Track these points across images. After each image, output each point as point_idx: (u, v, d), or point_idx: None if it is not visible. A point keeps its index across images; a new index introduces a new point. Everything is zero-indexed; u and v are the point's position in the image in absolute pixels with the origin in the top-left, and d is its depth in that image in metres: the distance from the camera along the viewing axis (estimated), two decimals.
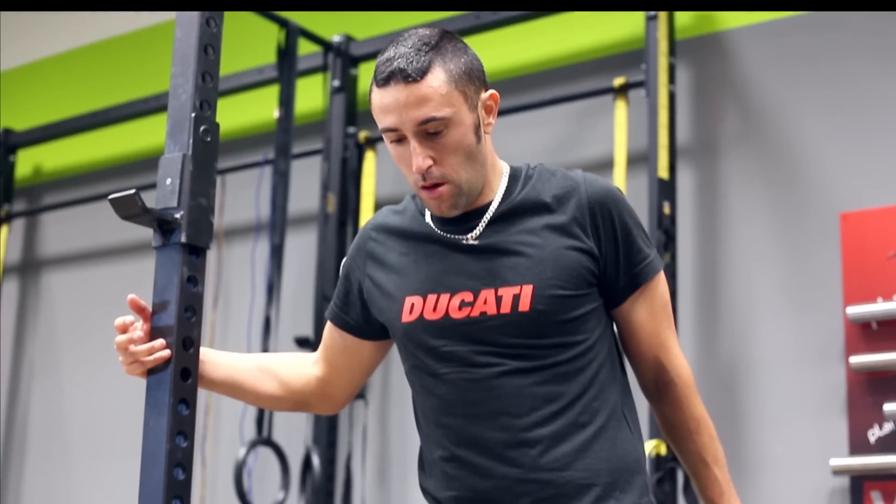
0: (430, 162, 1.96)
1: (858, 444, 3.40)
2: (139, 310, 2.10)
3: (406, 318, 2.06)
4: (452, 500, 2.04)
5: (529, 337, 2.00)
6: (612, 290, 2.07)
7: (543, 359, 2.00)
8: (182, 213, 2.08)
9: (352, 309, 2.20)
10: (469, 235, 2.05)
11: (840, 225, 3.53)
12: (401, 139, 1.98)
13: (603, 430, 2.01)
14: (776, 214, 3.69)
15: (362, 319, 2.19)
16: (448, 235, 2.06)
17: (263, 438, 4.27)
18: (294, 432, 4.39)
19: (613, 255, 2.04)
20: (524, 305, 1.99)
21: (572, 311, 2.01)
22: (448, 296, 2.03)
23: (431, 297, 2.04)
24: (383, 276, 2.12)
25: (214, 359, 2.21)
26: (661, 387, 2.13)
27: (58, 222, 5.49)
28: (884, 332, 3.41)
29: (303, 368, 2.29)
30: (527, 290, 1.99)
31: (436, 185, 1.99)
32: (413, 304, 2.06)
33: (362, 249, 2.18)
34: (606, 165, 3.83)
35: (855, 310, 3.42)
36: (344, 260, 2.24)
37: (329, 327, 2.26)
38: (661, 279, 2.11)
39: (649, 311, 2.09)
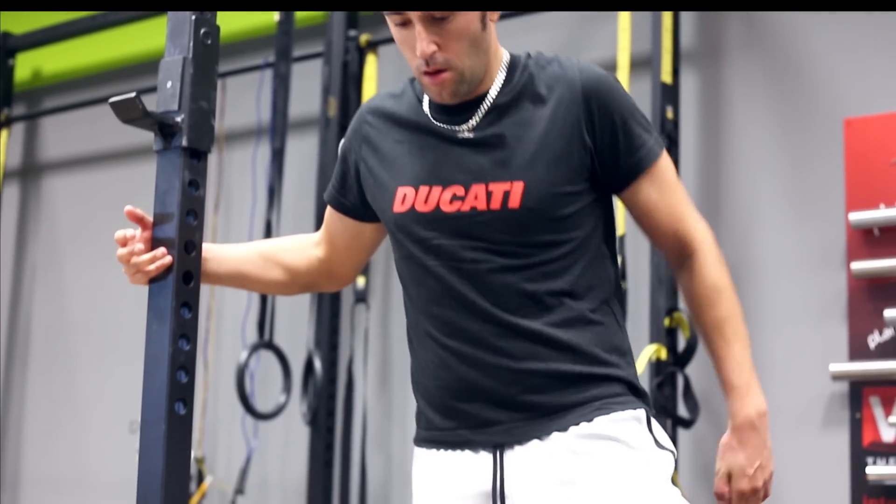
0: (434, 47, 1.94)
1: (858, 350, 3.41)
2: (137, 220, 2.10)
3: (398, 208, 2.05)
4: (443, 389, 2.07)
5: (518, 234, 1.98)
6: (614, 178, 2.04)
7: (531, 257, 1.99)
8: (183, 116, 2.06)
9: (349, 192, 2.19)
10: (464, 127, 2.02)
11: (844, 130, 3.51)
12: (406, 23, 1.95)
13: (591, 324, 2.01)
14: (780, 120, 3.67)
15: (360, 202, 2.18)
16: (444, 126, 2.04)
17: (265, 342, 4.29)
18: (296, 336, 4.41)
19: (611, 144, 2.01)
20: (514, 202, 1.97)
21: (563, 209, 1.99)
22: (440, 189, 2.01)
23: (423, 189, 2.03)
24: (376, 164, 2.11)
25: (218, 254, 2.21)
26: (684, 259, 2.12)
27: (58, 126, 5.47)
28: (885, 239, 3.41)
29: (306, 251, 2.29)
30: (517, 187, 1.97)
31: (439, 72, 1.96)
32: (405, 195, 2.04)
33: (358, 132, 2.16)
34: (609, 69, 3.79)
35: (857, 216, 3.42)
36: (341, 141, 2.22)
37: (329, 210, 2.25)
38: (664, 160, 2.08)
39: (658, 192, 2.07)
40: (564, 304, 1.99)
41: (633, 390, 2.03)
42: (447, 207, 2.01)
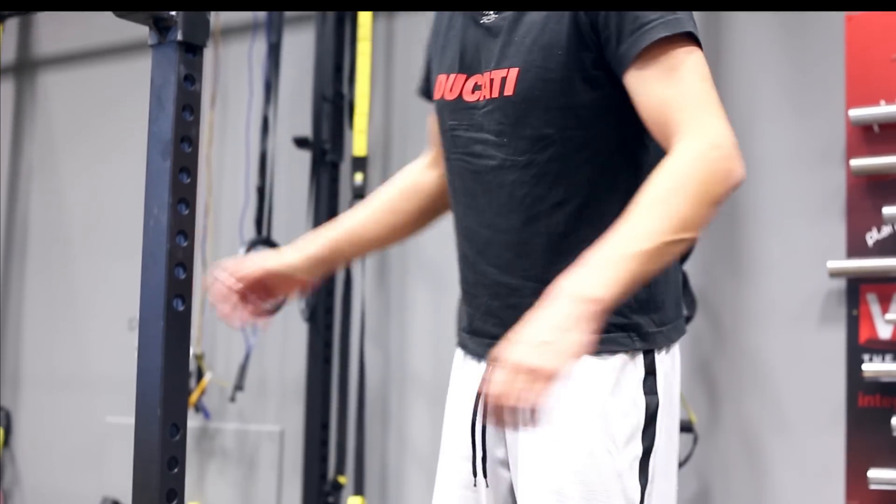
0: None
1: (856, 247, 3.41)
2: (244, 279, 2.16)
3: (436, 94, 2.04)
4: (461, 290, 2.06)
5: (514, 125, 1.86)
6: (613, 60, 1.80)
7: (527, 153, 1.86)
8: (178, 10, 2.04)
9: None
10: (490, 11, 1.94)
11: (845, 26, 3.47)
12: None
13: (582, 243, 1.76)
14: (780, 15, 3.63)
15: None
16: (478, 12, 1.96)
17: (263, 238, 4.29)
18: (294, 232, 4.40)
19: (615, 23, 1.78)
20: (509, 89, 1.87)
21: (560, 98, 1.83)
22: (464, 77, 1.97)
23: (452, 77, 1.99)
24: (436, 52, 2.09)
25: (353, 237, 2.20)
26: None
27: (52, 21, 5.41)
28: (885, 136, 3.39)
29: (425, 181, 2.24)
30: (513, 73, 1.86)
31: None
32: (442, 82, 2.02)
33: (433, 23, 2.14)
34: None
35: (857, 112, 3.39)
36: None
37: (430, 117, 2.17)
38: (675, 45, 1.76)
39: (653, 81, 1.77)
40: (556, 215, 1.86)
41: (633, 329, 1.85)
42: (469, 97, 1.96)
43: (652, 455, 1.84)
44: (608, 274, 1.60)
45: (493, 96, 1.90)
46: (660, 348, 1.88)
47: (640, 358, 1.85)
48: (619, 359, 1.84)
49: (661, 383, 1.86)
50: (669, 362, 1.90)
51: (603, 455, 1.80)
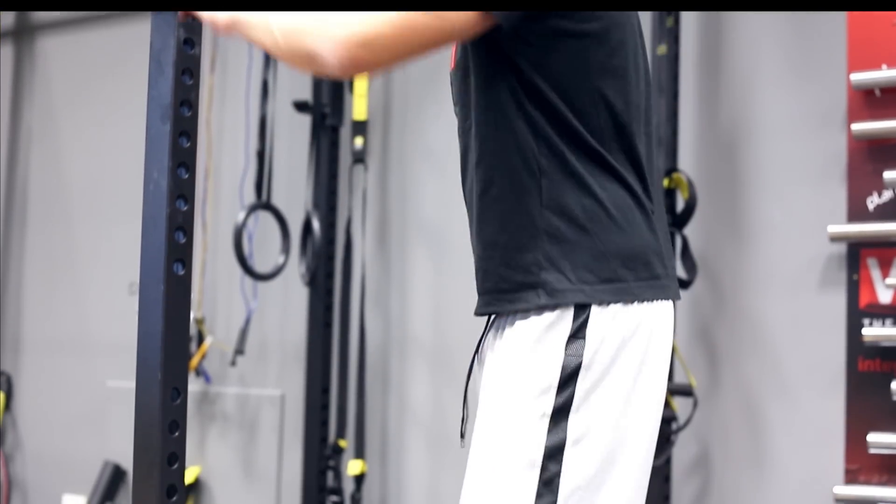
0: None
1: (857, 212, 3.41)
2: None
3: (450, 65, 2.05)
4: None
5: (457, 93, 1.97)
6: None
7: (467, 119, 1.93)
8: None
9: None
10: None
11: None
12: None
13: (495, 202, 1.88)
14: None
15: None
16: None
17: (263, 202, 4.28)
18: (293, 196, 4.41)
19: None
20: (452, 61, 1.98)
21: (460, 67, 1.93)
22: (454, 49, 2.01)
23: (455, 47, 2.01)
24: None
25: None
26: None
27: None
28: (887, 100, 3.38)
29: None
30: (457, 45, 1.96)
31: None
32: (451, 52, 2.03)
33: None
34: None
35: (858, 76, 3.38)
36: None
37: None
38: None
39: None
40: (474, 174, 1.91)
41: (541, 286, 1.83)
42: (451, 67, 2.02)
43: (569, 422, 1.78)
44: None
45: (451, 68, 1.99)
46: (599, 307, 1.81)
47: (568, 318, 1.80)
48: (546, 318, 1.81)
49: (593, 349, 1.79)
50: (615, 329, 1.81)
51: (512, 408, 1.82)
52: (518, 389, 1.81)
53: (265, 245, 4.46)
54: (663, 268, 1.88)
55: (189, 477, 4.54)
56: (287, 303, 4.49)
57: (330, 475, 4.21)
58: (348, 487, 4.20)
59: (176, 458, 1.92)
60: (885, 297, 3.37)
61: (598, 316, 1.80)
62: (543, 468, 1.76)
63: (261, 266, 4.36)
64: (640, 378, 1.83)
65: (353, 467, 4.15)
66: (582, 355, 1.78)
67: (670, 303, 1.92)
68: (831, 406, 3.43)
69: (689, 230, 3.56)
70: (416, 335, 4.22)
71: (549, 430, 1.77)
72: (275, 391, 4.51)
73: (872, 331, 3.32)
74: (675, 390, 3.51)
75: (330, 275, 4.28)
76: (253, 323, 4.49)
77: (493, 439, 1.83)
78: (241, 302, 4.51)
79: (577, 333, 1.79)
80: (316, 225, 4.22)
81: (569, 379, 1.77)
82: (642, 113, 1.92)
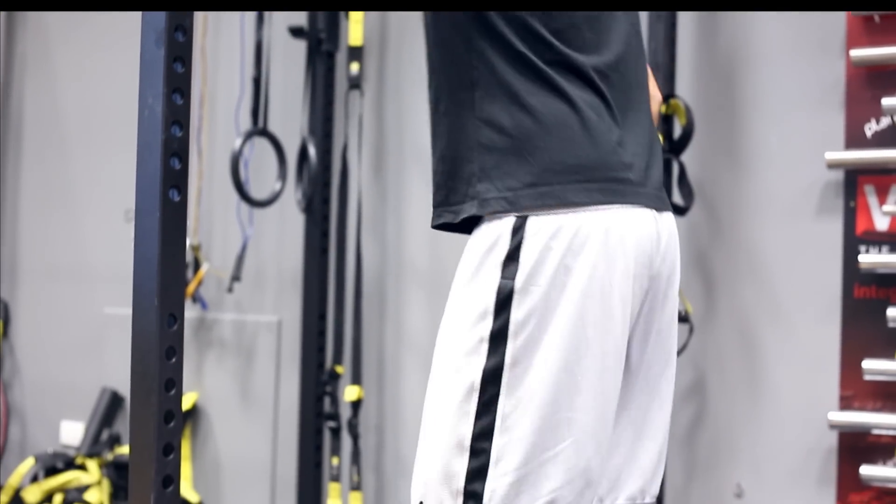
0: None
1: (854, 138, 3.40)
2: None
3: None
4: None
5: (425, 17, 2.02)
6: None
7: (427, 37, 2.01)
8: None
9: None
10: None
11: None
12: None
13: (443, 117, 1.92)
14: None
15: None
16: None
17: (259, 129, 4.27)
18: (289, 123, 4.39)
19: None
20: None
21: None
22: None
23: None
24: None
25: None
26: None
27: None
28: (886, 26, 3.36)
29: None
30: None
31: None
32: None
33: None
34: None
35: None
36: None
37: None
38: None
39: None
40: (430, 93, 1.98)
41: (474, 197, 1.85)
42: None
43: (507, 346, 1.77)
44: None
45: None
46: (535, 226, 1.79)
47: (506, 240, 1.80)
48: (487, 239, 1.82)
49: (527, 270, 1.77)
50: (554, 247, 1.78)
51: (454, 335, 1.83)
52: (460, 315, 1.83)
53: (261, 172, 4.45)
54: (621, 175, 1.86)
55: (186, 403, 4.57)
56: (283, 229, 4.49)
57: (327, 401, 4.24)
58: (345, 413, 4.22)
59: (173, 384, 1.93)
60: (881, 224, 3.37)
61: (534, 236, 1.78)
62: (482, 390, 1.77)
63: (257, 193, 4.35)
64: (590, 294, 1.78)
65: (349, 393, 4.17)
66: (515, 278, 1.77)
67: (641, 210, 1.88)
68: (826, 333, 3.44)
69: (686, 157, 3.55)
70: (412, 261, 4.22)
71: (488, 355, 1.77)
72: (271, 317, 4.52)
73: (868, 258, 3.33)
74: None
75: (326, 201, 4.28)
76: (249, 250, 4.49)
77: (439, 366, 1.85)
78: (237, 229, 4.51)
79: (513, 255, 1.78)
80: (312, 151, 4.21)
81: (505, 302, 1.77)
82: (605, 23, 1.93)
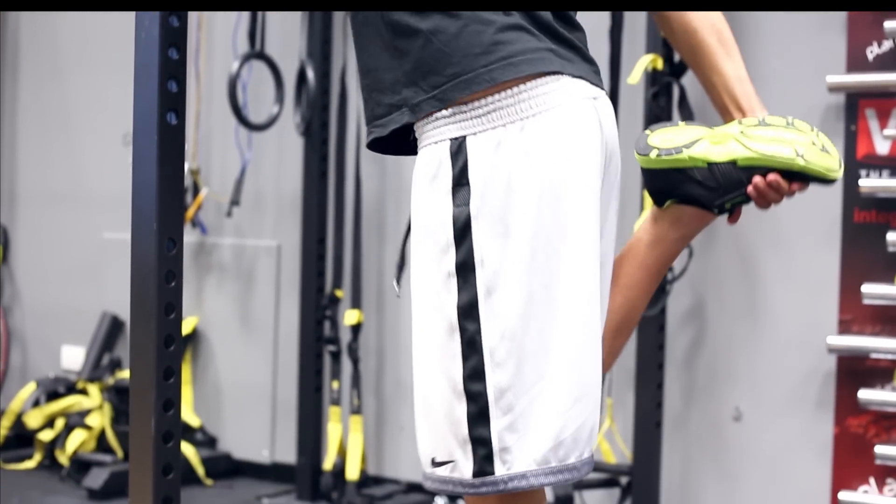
0: None
1: (856, 62, 3.38)
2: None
3: None
4: None
5: None
6: None
7: None
8: None
9: None
10: None
11: None
12: None
13: (363, 27, 1.83)
14: None
15: None
16: None
17: (257, 52, 4.25)
18: (288, 46, 4.36)
19: None
20: None
21: None
22: None
23: None
24: None
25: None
26: None
27: None
28: None
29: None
30: None
31: None
32: None
33: None
34: None
35: None
36: None
37: None
38: None
39: None
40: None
41: (403, 104, 1.77)
42: None
43: (476, 276, 1.68)
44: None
45: None
46: (475, 142, 1.69)
47: (448, 165, 1.71)
48: (429, 167, 1.74)
49: (479, 192, 1.68)
50: (499, 161, 1.69)
51: (422, 273, 1.76)
52: (424, 252, 1.74)
53: (259, 95, 4.43)
54: (543, 46, 1.73)
55: (186, 327, 4.58)
56: (282, 153, 4.48)
57: (327, 325, 4.25)
58: (345, 337, 4.23)
59: (172, 308, 1.93)
60: (882, 147, 3.36)
61: (478, 155, 1.69)
62: (462, 329, 1.68)
63: (255, 117, 4.33)
64: (551, 202, 1.69)
65: (349, 317, 4.18)
66: (469, 203, 1.68)
67: (579, 84, 1.74)
68: (826, 257, 3.44)
69: (687, 79, 3.53)
70: (411, 184, 4.20)
71: (459, 290, 1.68)
72: (271, 242, 4.52)
73: (869, 182, 3.32)
74: None
75: (325, 125, 4.26)
76: (248, 174, 4.48)
77: (416, 308, 1.76)
78: (235, 153, 4.49)
79: (461, 180, 1.69)
80: (310, 74, 4.19)
81: (464, 231, 1.68)
82: None
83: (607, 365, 2.00)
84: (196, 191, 4.53)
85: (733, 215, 2.05)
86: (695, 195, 1.99)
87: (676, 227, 2.05)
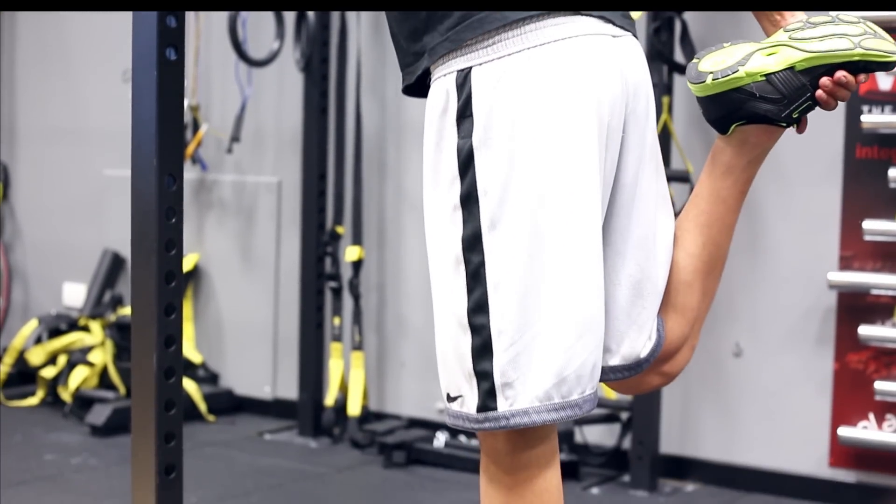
0: None
1: None
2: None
3: None
4: None
5: None
6: None
7: None
8: None
9: None
10: None
11: None
12: None
13: None
14: None
15: None
16: None
17: None
18: None
19: None
20: None
21: None
22: None
23: None
24: None
25: None
26: None
27: None
28: None
29: None
30: None
31: None
32: None
33: None
34: None
35: None
36: None
37: None
38: None
39: None
40: None
41: (423, 51, 1.77)
42: None
43: (479, 207, 1.68)
44: None
45: None
46: (479, 74, 1.68)
47: (454, 97, 1.70)
48: (439, 101, 1.73)
49: (482, 124, 1.68)
50: (503, 92, 1.68)
51: (431, 206, 1.77)
52: (433, 186, 1.75)
53: (259, 31, 4.40)
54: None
55: (188, 264, 4.58)
56: (282, 89, 4.46)
57: (328, 261, 4.25)
58: (346, 273, 4.24)
59: (173, 244, 1.93)
60: (884, 83, 3.34)
61: (482, 86, 1.68)
62: (467, 261, 1.68)
63: (255, 52, 4.31)
64: (555, 135, 1.67)
65: (350, 253, 4.18)
66: (472, 135, 1.67)
67: (595, 23, 1.72)
68: (827, 193, 3.43)
69: (689, 14, 3.51)
70: (412, 120, 4.20)
71: (464, 222, 1.68)
72: (271, 178, 4.52)
73: (871, 117, 3.31)
74: (671, 177, 3.51)
75: (325, 60, 4.24)
76: (248, 110, 4.47)
77: (429, 244, 1.77)
78: (235, 89, 4.47)
79: (465, 111, 1.69)
80: (310, 12, 4.16)
81: (467, 162, 1.68)
82: None
83: (704, 307, 2.01)
84: (196, 127, 4.51)
85: (801, 124, 1.99)
86: (761, 111, 1.93)
87: (744, 151, 1.98)
